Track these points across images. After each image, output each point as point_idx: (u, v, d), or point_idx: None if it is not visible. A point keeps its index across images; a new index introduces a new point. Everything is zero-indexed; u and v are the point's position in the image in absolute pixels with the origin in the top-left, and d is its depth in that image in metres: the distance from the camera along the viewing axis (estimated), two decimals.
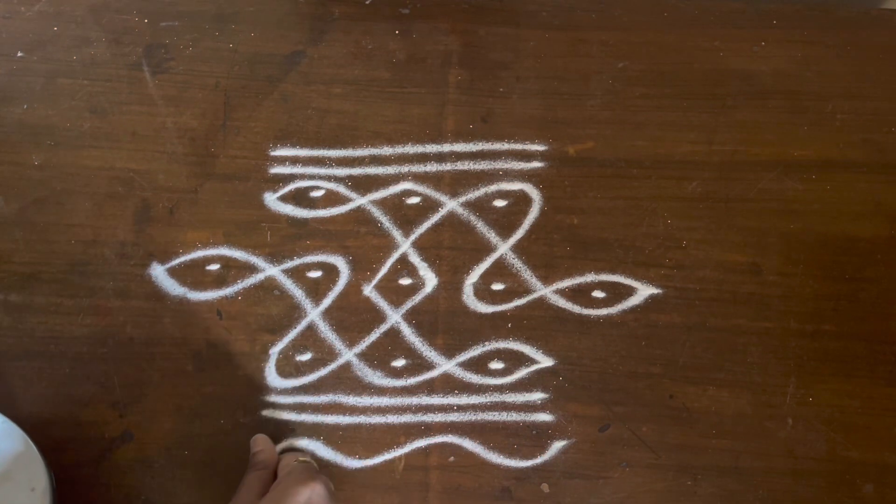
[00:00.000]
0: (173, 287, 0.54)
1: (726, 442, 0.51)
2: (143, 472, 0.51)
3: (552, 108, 0.57)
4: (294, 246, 0.54)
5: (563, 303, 0.54)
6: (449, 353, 0.53)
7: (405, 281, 0.54)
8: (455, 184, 0.56)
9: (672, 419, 0.52)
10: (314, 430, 0.52)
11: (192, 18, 0.59)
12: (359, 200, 0.55)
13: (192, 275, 0.54)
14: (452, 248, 0.55)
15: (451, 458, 0.52)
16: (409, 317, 0.53)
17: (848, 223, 0.55)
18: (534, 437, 0.52)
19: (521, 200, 0.55)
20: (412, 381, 0.52)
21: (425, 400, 0.52)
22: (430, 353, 0.53)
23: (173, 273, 0.54)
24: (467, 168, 0.56)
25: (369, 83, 0.58)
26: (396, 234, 0.55)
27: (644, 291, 0.54)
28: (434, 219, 0.55)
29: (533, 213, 0.55)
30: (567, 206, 0.55)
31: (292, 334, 0.53)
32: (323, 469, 0.51)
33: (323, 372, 0.53)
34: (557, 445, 0.51)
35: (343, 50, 0.58)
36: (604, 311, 0.53)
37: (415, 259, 0.54)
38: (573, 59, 0.58)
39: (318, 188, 0.55)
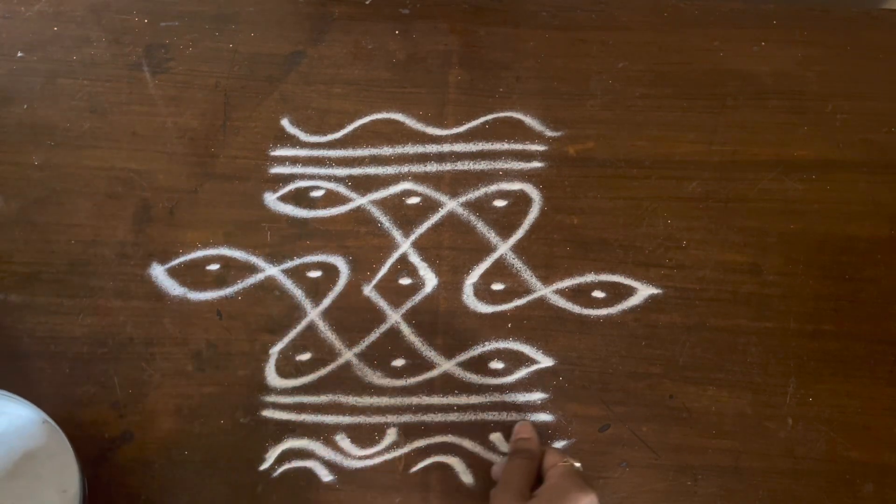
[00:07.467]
0: (173, 287, 0.54)
1: (726, 442, 0.51)
2: (143, 472, 0.51)
3: (552, 108, 0.57)
4: (294, 246, 0.54)
5: (563, 303, 0.54)
6: (449, 353, 0.53)
7: (405, 281, 0.54)
8: (455, 184, 0.56)
9: (672, 419, 0.52)
10: (314, 430, 0.51)
11: (192, 18, 0.59)
12: (359, 200, 0.55)
13: (192, 275, 0.54)
14: (452, 248, 0.55)
15: (452, 458, 0.51)
16: (409, 317, 0.53)
17: (848, 223, 0.55)
18: None
19: (521, 200, 0.55)
20: (412, 381, 0.52)
21: (425, 400, 0.52)
22: (429, 353, 0.53)
23: (173, 273, 0.54)
24: (467, 168, 0.56)
25: (369, 83, 0.58)
26: (396, 234, 0.55)
27: (644, 291, 0.54)
28: (434, 219, 0.55)
29: (533, 213, 0.55)
30: (567, 206, 0.55)
31: (292, 334, 0.53)
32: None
33: (323, 372, 0.53)
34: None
35: (343, 50, 0.58)
36: (604, 311, 0.53)
37: (415, 259, 0.54)
38: (573, 59, 0.58)
39: (318, 188, 0.55)
